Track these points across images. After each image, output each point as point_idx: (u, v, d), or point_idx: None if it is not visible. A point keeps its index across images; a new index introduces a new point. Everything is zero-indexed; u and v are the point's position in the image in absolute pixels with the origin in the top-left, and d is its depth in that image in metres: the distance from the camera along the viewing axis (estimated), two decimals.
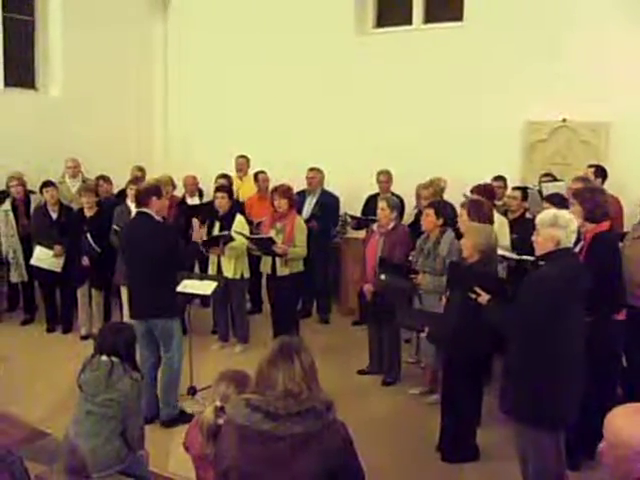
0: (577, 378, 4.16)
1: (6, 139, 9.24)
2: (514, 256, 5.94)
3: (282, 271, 7.41)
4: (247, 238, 7.44)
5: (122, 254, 6.52)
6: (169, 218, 7.46)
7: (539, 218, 4.29)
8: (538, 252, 4.29)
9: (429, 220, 6.33)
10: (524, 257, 5.75)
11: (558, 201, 5.83)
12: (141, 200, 5.92)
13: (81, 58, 10.31)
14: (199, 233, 7.02)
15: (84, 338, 8.17)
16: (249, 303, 8.80)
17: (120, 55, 10.81)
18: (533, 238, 4.31)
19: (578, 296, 4.15)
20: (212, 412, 3.36)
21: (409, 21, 9.86)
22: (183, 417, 5.89)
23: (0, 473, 2.43)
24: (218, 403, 3.35)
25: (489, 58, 8.74)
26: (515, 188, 7.45)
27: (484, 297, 4.57)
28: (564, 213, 4.31)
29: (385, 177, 8.66)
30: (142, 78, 11.41)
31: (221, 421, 3.23)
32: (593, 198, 5.09)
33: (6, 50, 9.74)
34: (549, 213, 4.30)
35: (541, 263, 4.28)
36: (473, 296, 4.63)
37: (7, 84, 9.79)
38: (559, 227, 4.14)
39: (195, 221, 7.05)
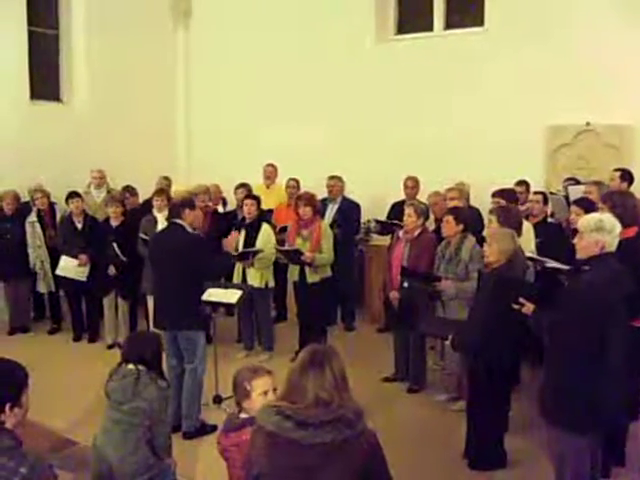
0: (621, 382, 4.10)
1: (32, 150, 9.37)
2: (554, 264, 5.79)
3: (312, 278, 7.46)
4: (277, 250, 7.53)
5: (150, 263, 6.52)
6: (203, 227, 7.50)
7: (583, 222, 4.22)
8: (580, 256, 4.21)
9: (449, 226, 6.32)
10: (561, 266, 5.66)
11: (587, 205, 5.77)
12: (174, 211, 5.97)
13: (105, 70, 10.44)
14: (232, 243, 7.07)
15: (110, 347, 8.25)
16: (274, 311, 8.81)
17: (143, 66, 10.90)
18: (575, 242, 4.25)
19: (623, 301, 4.10)
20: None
21: (430, 27, 9.87)
22: (205, 429, 5.90)
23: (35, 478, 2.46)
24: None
25: (511, 63, 8.71)
26: (536, 192, 7.42)
27: (529, 307, 4.52)
28: (609, 217, 4.26)
29: (412, 183, 8.65)
30: (165, 88, 11.51)
31: (243, 415, 3.40)
32: (624, 203, 5.03)
33: (32, 63, 9.86)
34: (594, 217, 4.24)
35: (585, 267, 4.19)
36: (517, 307, 4.59)
37: (33, 96, 9.90)
38: (605, 231, 4.08)
39: (234, 234, 7.16)
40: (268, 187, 9.55)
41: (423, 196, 8.30)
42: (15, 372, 2.63)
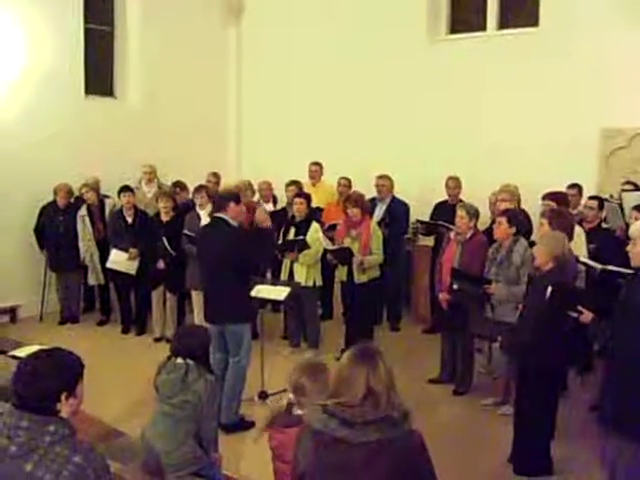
0: None
1: (86, 145, 9.54)
2: (614, 268, 5.68)
3: (360, 278, 7.43)
4: (327, 250, 7.51)
5: (197, 258, 6.59)
6: (246, 223, 7.53)
7: (635, 228, 4.17)
8: (636, 263, 4.14)
9: (502, 229, 6.23)
10: (610, 267, 5.55)
11: None
12: (219, 205, 6.00)
13: (158, 66, 10.59)
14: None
15: (157, 340, 8.37)
16: (320, 309, 8.81)
17: (195, 62, 11.03)
18: (628, 249, 4.18)
19: None
20: (285, 403, 3.44)
21: (483, 27, 9.78)
22: (243, 424, 5.90)
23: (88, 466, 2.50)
24: (291, 396, 3.38)
25: (565, 64, 8.58)
26: (591, 197, 7.27)
27: (587, 315, 4.45)
28: None
29: (454, 183, 8.57)
30: (217, 84, 11.63)
31: (296, 412, 3.32)
32: None
33: (87, 59, 10.02)
34: None
35: None
36: (574, 314, 4.52)
37: (88, 92, 10.06)
38: None
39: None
40: (314, 185, 9.57)
41: (471, 197, 8.18)
42: (72, 362, 2.67)
